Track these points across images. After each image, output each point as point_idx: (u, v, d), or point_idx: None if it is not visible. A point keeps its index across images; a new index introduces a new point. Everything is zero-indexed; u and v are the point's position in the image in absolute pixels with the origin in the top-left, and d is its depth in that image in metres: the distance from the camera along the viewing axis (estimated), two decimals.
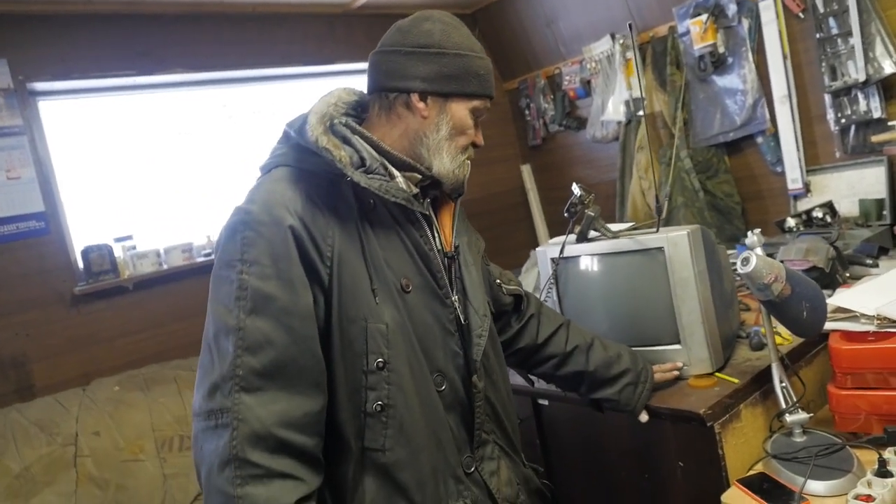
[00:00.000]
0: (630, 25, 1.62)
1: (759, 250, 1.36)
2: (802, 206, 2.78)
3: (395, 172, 1.07)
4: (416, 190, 1.10)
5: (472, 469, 1.15)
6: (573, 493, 1.80)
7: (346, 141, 1.05)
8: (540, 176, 4.17)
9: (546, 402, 1.80)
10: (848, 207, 2.65)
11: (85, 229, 2.73)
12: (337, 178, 1.03)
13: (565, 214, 1.68)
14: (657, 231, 1.56)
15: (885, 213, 2.54)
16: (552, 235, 4.16)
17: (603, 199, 3.75)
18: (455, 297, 1.14)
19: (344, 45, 3.41)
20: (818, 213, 2.57)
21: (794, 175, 2.79)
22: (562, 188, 4.04)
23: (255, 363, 0.92)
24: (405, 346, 1.04)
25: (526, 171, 4.19)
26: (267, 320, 0.94)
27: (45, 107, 2.69)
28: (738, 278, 2.15)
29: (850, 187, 2.65)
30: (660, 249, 1.55)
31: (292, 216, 0.98)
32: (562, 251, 1.71)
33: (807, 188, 2.77)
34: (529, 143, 4.11)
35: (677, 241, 1.52)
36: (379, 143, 1.07)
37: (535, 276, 3.69)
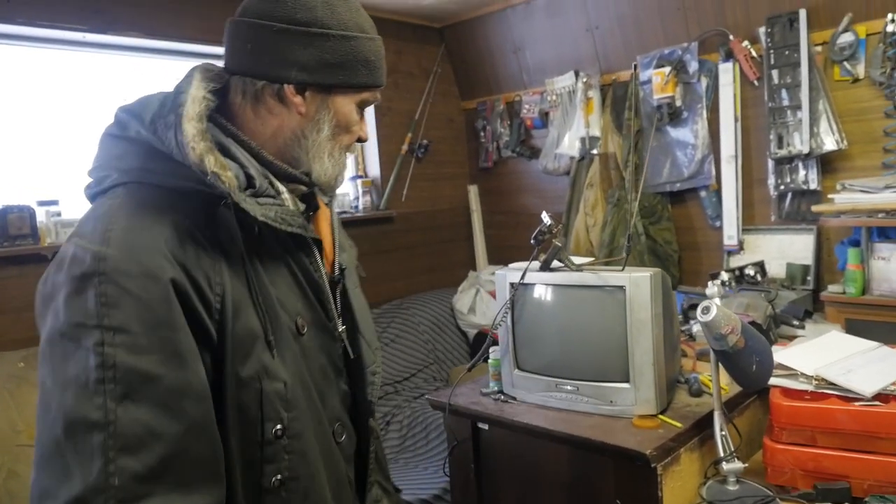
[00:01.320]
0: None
1: (718, 301, 1.40)
2: (734, 262, 2.92)
3: (281, 188, 0.91)
4: (302, 207, 0.96)
5: None
6: None
7: (225, 151, 0.84)
8: (486, 198, 4.20)
9: (486, 427, 1.78)
10: (776, 269, 2.80)
11: (7, 187, 2.51)
12: (213, 200, 0.80)
13: (532, 241, 1.68)
14: (623, 270, 1.58)
15: (809, 278, 2.70)
16: (490, 259, 4.19)
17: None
18: (342, 329, 0.99)
19: None
20: (750, 271, 2.70)
21: (730, 232, 2.92)
22: (506, 213, 4.08)
23: (137, 466, 0.70)
24: (306, 402, 0.88)
25: (473, 191, 4.21)
26: (148, 408, 0.72)
27: None
28: (683, 325, 2.23)
29: (780, 250, 2.81)
30: (621, 288, 1.57)
31: (171, 264, 0.76)
32: (523, 277, 1.71)
33: (741, 246, 2.92)
34: (480, 165, 4.14)
35: (639, 283, 1.55)
36: (259, 151, 0.89)
37: (471, 296, 3.71)
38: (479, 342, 3.58)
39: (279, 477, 0.84)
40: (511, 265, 1.81)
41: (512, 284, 1.74)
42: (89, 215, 0.81)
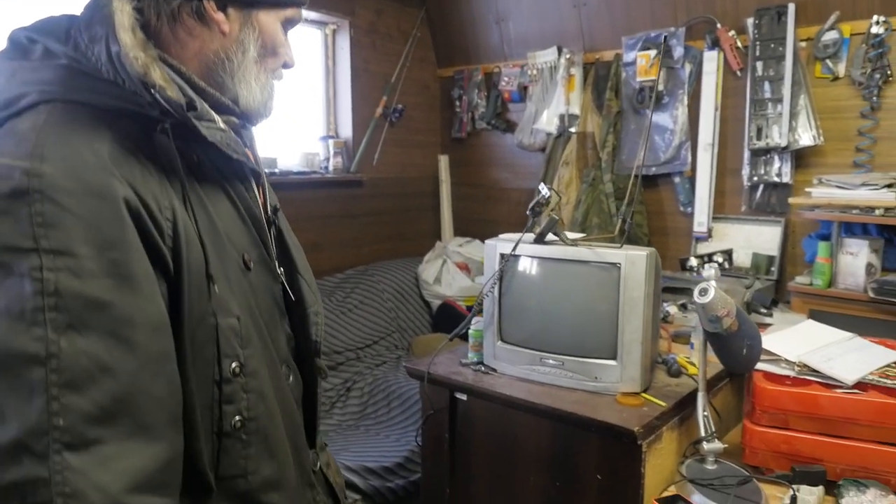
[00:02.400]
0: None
1: (714, 283, 1.41)
2: (702, 248, 2.97)
3: (216, 116, 0.83)
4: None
5: (318, 467, 1.01)
6: (473, 490, 1.78)
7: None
8: (456, 170, 4.15)
9: (464, 397, 1.76)
10: (742, 258, 2.87)
11: None
12: (149, 124, 0.74)
13: (528, 213, 1.65)
14: (621, 247, 1.57)
15: (773, 269, 2.77)
16: (457, 231, 4.15)
17: (514, 204, 3.80)
18: (280, 270, 0.94)
19: None
20: (718, 258, 2.76)
21: (701, 219, 2.97)
22: (476, 185, 4.05)
23: (86, 404, 0.62)
24: (258, 339, 0.84)
25: (444, 161, 4.14)
26: (97, 338, 0.64)
27: None
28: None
29: (748, 240, 2.87)
30: (616, 265, 1.56)
31: (120, 182, 0.68)
32: (515, 248, 1.69)
33: (710, 233, 2.97)
34: (453, 135, 4.07)
35: (636, 261, 1.54)
36: (190, 77, 0.80)
37: (437, 267, 3.67)
38: (443, 313, 3.56)
39: (238, 418, 0.79)
40: (501, 236, 1.78)
41: (503, 255, 1.71)
42: (5, 136, 0.69)
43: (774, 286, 2.71)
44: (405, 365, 1.93)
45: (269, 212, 0.95)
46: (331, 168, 3.55)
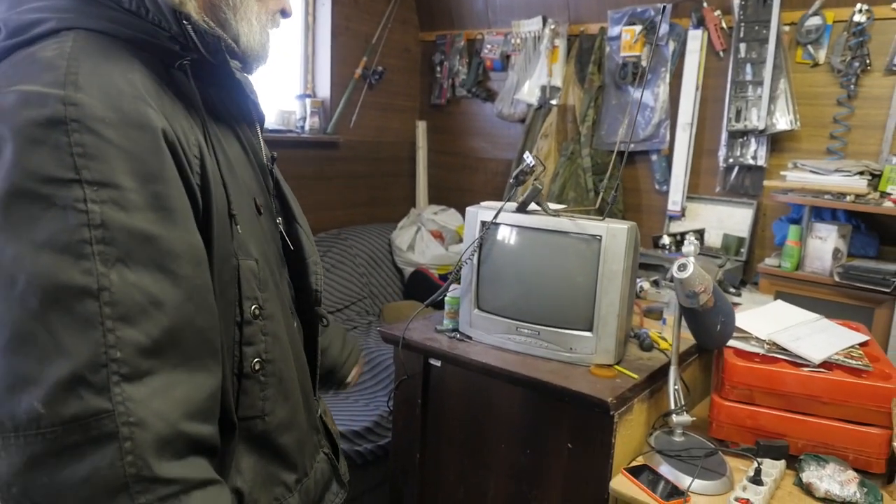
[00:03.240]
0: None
1: (693, 259, 1.42)
2: (675, 227, 3.01)
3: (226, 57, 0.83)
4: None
5: (319, 413, 1.03)
6: (443, 456, 1.80)
7: None
8: (434, 136, 4.10)
9: (438, 364, 1.77)
10: (713, 238, 2.91)
11: None
12: (168, 59, 0.73)
13: (510, 181, 1.64)
14: (603, 219, 1.57)
15: (742, 250, 2.82)
16: (431, 199, 4.13)
17: (491, 175, 3.79)
18: (279, 219, 0.94)
19: None
20: (691, 237, 2.79)
21: (675, 198, 3.00)
22: (452, 154, 4.02)
23: (141, 337, 0.62)
24: (272, 283, 0.84)
25: (421, 127, 4.10)
26: (147, 272, 0.64)
27: None
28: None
29: (720, 221, 2.92)
30: (596, 238, 1.57)
31: (156, 113, 0.67)
32: (496, 216, 1.68)
33: (683, 212, 3.00)
34: (432, 101, 4.02)
35: (616, 234, 1.55)
36: (190, 14, 0.78)
37: (411, 234, 3.65)
38: (415, 280, 3.55)
39: (257, 360, 0.80)
40: (483, 203, 1.77)
41: (483, 223, 1.70)
42: (27, 65, 0.64)
43: (743, 267, 2.76)
44: (379, 329, 1.92)
45: (268, 161, 0.93)
46: (307, 128, 3.47)
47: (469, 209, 1.76)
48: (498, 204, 1.71)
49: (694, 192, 3.02)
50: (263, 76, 3.24)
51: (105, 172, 0.61)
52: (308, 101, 3.47)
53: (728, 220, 2.90)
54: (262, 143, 0.90)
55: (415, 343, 1.79)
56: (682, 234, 2.81)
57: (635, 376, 1.56)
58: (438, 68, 3.94)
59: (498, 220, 1.68)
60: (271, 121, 3.34)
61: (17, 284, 0.59)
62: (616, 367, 1.60)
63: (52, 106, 0.60)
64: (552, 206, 1.70)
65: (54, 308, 0.59)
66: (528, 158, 1.61)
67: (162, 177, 0.65)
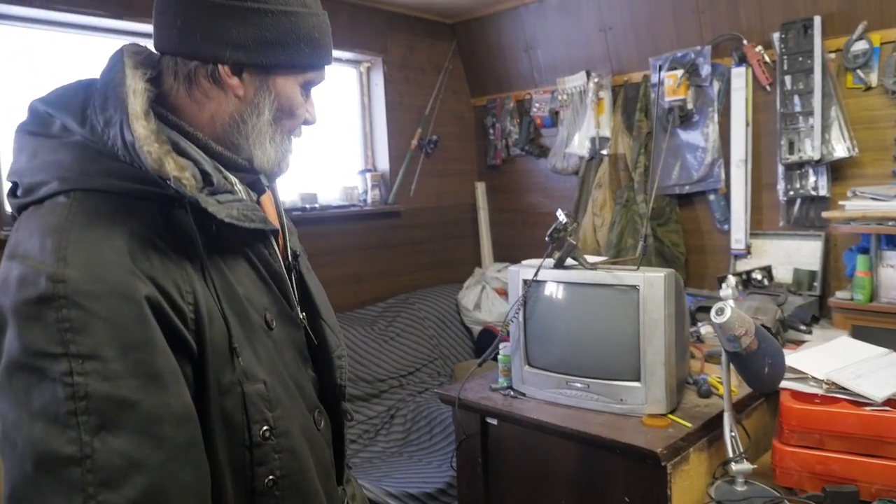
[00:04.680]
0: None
1: (732, 303, 1.41)
2: (741, 266, 2.93)
3: (233, 178, 0.85)
4: (255, 196, 0.91)
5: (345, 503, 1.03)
6: None
7: (177, 149, 0.78)
8: (493, 196, 4.21)
9: (495, 422, 1.80)
10: (783, 274, 2.81)
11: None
12: (168, 201, 0.76)
13: (546, 239, 1.69)
14: (637, 269, 1.59)
15: (815, 284, 2.71)
16: (496, 257, 4.20)
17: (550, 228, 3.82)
18: (302, 315, 0.95)
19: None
20: (757, 275, 2.72)
21: (738, 236, 2.93)
22: (513, 211, 4.09)
23: (119, 500, 0.66)
24: (286, 397, 0.85)
25: (480, 188, 4.21)
26: (127, 437, 0.67)
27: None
28: (691, 327, 2.24)
29: (787, 256, 2.82)
30: (634, 288, 1.58)
31: (141, 280, 0.70)
32: (536, 274, 1.73)
33: (748, 250, 2.93)
34: (488, 162, 4.14)
35: (654, 282, 1.56)
36: (207, 142, 0.83)
37: (476, 293, 3.72)
38: (484, 339, 3.60)
39: (271, 477, 0.82)
40: (524, 262, 1.82)
41: (525, 281, 1.75)
42: (30, 230, 0.72)
43: (818, 302, 2.65)
44: (437, 391, 1.98)
45: (290, 258, 0.97)
46: (369, 201, 3.66)
47: (511, 268, 1.82)
48: (539, 261, 1.76)
49: (757, 228, 2.94)
50: (327, 157, 3.46)
51: (89, 345, 0.66)
52: (368, 175, 3.67)
53: (796, 254, 2.80)
54: (277, 252, 0.91)
55: (471, 403, 1.84)
56: (749, 273, 2.74)
57: (689, 425, 1.53)
58: (491, 130, 4.08)
59: (538, 278, 1.73)
60: (334, 198, 3.54)
61: (17, 447, 0.67)
62: (669, 416, 1.59)
63: (43, 284, 0.67)
64: (591, 258, 1.74)
65: (44, 474, 0.65)
66: (561, 216, 1.66)
67: (144, 344, 0.69)
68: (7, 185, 0.81)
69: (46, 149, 0.76)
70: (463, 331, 3.74)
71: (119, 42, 0.80)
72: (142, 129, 0.73)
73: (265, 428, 0.81)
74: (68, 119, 0.76)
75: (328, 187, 3.56)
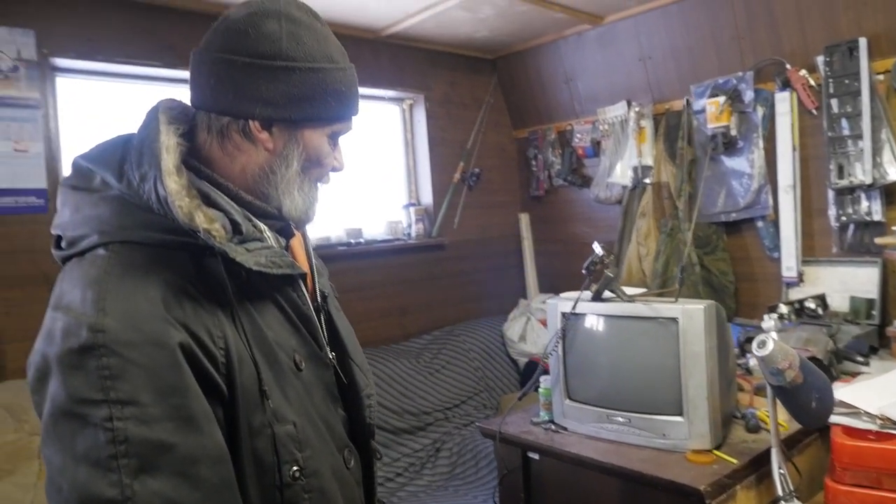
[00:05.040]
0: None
1: (774, 335, 1.38)
2: (794, 294, 2.84)
3: (262, 226, 0.89)
4: (283, 242, 0.94)
5: None
6: None
7: (207, 200, 0.82)
8: (537, 227, 4.21)
9: (536, 456, 1.78)
10: (838, 302, 2.71)
11: None
12: (200, 250, 0.80)
13: (583, 271, 1.69)
14: (676, 301, 1.57)
15: (874, 312, 2.60)
16: (541, 287, 4.18)
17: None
18: (332, 355, 0.97)
19: (368, 70, 3.44)
20: (811, 304, 2.62)
21: (789, 263, 2.85)
22: (557, 241, 4.08)
23: None
24: (316, 437, 0.88)
25: (524, 219, 4.23)
26: (166, 478, 0.70)
27: (63, 83, 2.66)
28: (740, 358, 2.18)
29: (843, 283, 2.72)
30: (674, 320, 1.56)
31: (174, 327, 0.74)
32: (574, 307, 1.72)
33: (800, 278, 2.84)
34: (531, 193, 4.16)
35: (693, 315, 1.54)
36: (237, 192, 0.87)
37: (522, 324, 3.71)
38: (530, 370, 3.57)
39: None
40: (562, 294, 1.82)
41: (563, 314, 1.75)
42: (73, 282, 0.77)
43: (876, 331, 2.53)
44: (478, 425, 1.98)
45: (319, 299, 0.99)
46: (413, 234, 3.72)
47: (549, 301, 1.82)
48: (577, 294, 1.76)
49: (809, 254, 2.85)
50: (372, 192, 3.54)
51: (128, 391, 0.70)
52: (412, 209, 3.73)
53: (852, 281, 2.70)
54: (306, 294, 0.93)
55: (512, 437, 1.83)
56: (801, 302, 2.65)
57: (735, 461, 1.49)
58: (533, 162, 4.10)
59: (577, 310, 1.73)
60: (379, 232, 3.61)
61: (62, 492, 0.70)
62: (714, 451, 1.55)
63: (84, 335, 0.71)
64: (629, 290, 1.72)
65: None
66: (597, 249, 1.66)
67: (179, 388, 0.72)
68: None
69: (88, 203, 0.81)
70: (508, 363, 3.72)
71: (174, 90, 0.86)
72: (173, 185, 0.77)
73: (295, 468, 0.83)
74: (107, 174, 0.81)
75: (373, 222, 3.63)
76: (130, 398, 0.70)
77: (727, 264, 3.09)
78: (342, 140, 0.95)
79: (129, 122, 0.88)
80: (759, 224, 3.00)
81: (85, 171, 0.83)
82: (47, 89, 2.53)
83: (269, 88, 0.82)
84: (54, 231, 0.84)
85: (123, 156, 0.82)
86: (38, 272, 2.41)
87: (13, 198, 2.40)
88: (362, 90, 3.77)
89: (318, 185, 0.94)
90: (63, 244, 0.82)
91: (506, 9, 3.15)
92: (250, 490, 0.80)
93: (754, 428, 1.67)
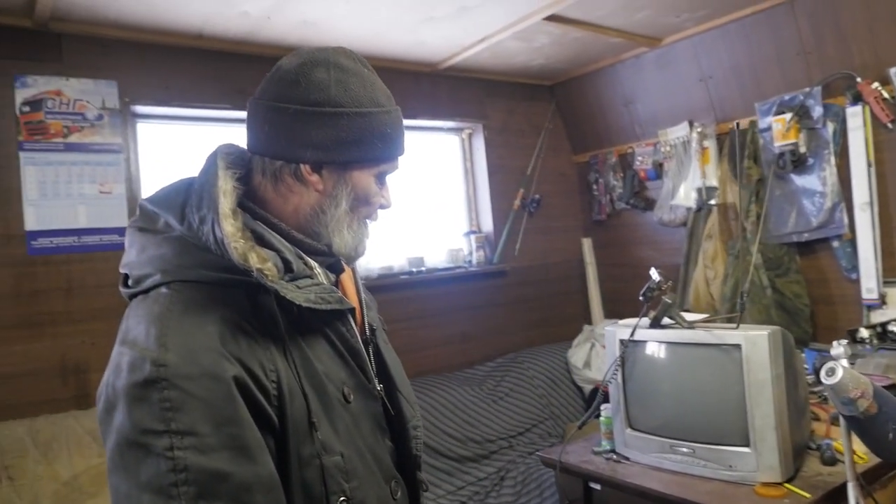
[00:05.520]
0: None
1: (844, 362, 1.32)
2: (876, 317, 2.68)
3: (312, 263, 0.93)
4: (333, 278, 0.99)
5: None
6: None
7: (261, 240, 0.87)
8: (600, 251, 4.16)
9: (598, 487, 1.75)
10: None
11: None
12: (254, 287, 0.84)
13: (640, 298, 1.67)
14: (737, 327, 1.53)
15: None
16: (606, 312, 4.11)
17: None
18: (380, 387, 0.99)
19: (427, 102, 3.53)
20: (894, 328, 2.47)
21: (869, 284, 2.70)
22: (621, 265, 4.01)
23: None
24: (363, 468, 0.90)
25: (587, 244, 4.18)
26: None
27: (143, 128, 2.85)
28: (815, 386, 2.08)
29: None
30: (737, 347, 1.52)
31: (230, 361, 0.78)
32: (633, 334, 1.70)
33: (882, 300, 2.68)
34: (593, 218, 4.12)
35: (756, 341, 1.49)
36: (289, 231, 0.92)
37: (586, 350, 3.65)
38: (595, 398, 3.50)
39: None
40: (621, 321, 1.80)
41: (622, 341, 1.73)
42: (138, 318, 0.82)
43: None
44: (539, 454, 1.96)
45: (367, 332, 1.02)
46: (474, 261, 3.74)
47: (607, 328, 1.80)
48: (635, 321, 1.73)
49: (891, 275, 2.70)
50: (433, 221, 3.59)
51: (187, 422, 0.74)
52: (473, 237, 3.76)
53: None
54: (355, 328, 0.96)
55: (573, 467, 1.81)
56: (884, 325, 2.50)
57: (808, 495, 1.42)
58: (595, 186, 4.07)
59: (635, 338, 1.70)
60: (441, 260, 3.66)
61: None
62: (786, 485, 1.48)
63: (147, 369, 0.75)
64: (689, 316, 1.68)
65: None
66: (654, 275, 1.64)
67: (234, 419, 0.76)
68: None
69: (152, 244, 0.87)
70: (573, 389, 3.66)
71: (244, 130, 0.93)
72: (230, 227, 0.82)
73: (342, 499, 0.85)
74: (170, 217, 0.87)
75: (434, 250, 3.68)
76: (190, 429, 0.74)
77: (801, 286, 2.96)
78: (390, 178, 0.99)
79: (202, 163, 0.93)
80: (835, 244, 2.86)
81: (150, 213, 0.89)
82: (128, 135, 2.72)
83: (319, 133, 0.87)
84: (122, 270, 0.90)
85: (185, 199, 0.88)
86: (120, 306, 2.56)
87: (98, 236, 2.58)
88: (421, 122, 3.88)
89: (367, 222, 0.98)
90: (130, 282, 0.88)
91: (560, 37, 3.18)
92: None
93: (830, 460, 1.59)
